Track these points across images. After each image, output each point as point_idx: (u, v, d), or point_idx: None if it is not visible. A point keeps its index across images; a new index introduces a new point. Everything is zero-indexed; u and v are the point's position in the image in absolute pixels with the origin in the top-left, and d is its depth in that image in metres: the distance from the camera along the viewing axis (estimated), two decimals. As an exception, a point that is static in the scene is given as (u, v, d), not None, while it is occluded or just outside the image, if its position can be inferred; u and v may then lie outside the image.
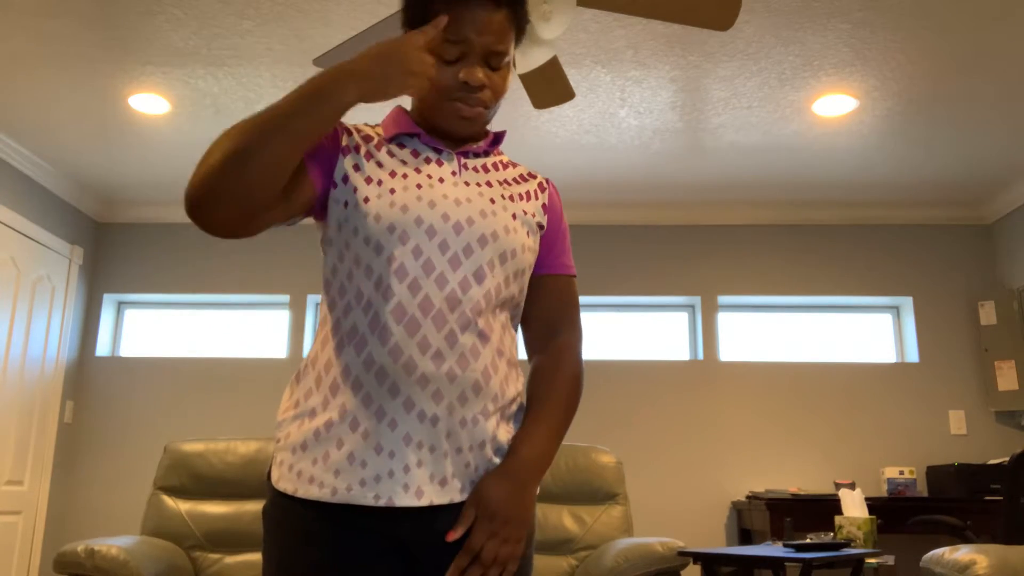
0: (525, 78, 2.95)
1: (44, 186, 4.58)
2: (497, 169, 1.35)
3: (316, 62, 2.82)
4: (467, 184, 1.28)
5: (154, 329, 5.16)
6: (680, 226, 5.06)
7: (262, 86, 3.65)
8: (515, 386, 1.28)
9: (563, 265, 1.39)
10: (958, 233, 4.99)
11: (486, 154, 1.36)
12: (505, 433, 1.25)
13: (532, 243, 1.31)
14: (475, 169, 1.32)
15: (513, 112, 3.88)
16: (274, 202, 1.17)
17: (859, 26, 3.17)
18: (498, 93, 1.30)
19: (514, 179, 1.36)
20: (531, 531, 1.28)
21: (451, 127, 1.29)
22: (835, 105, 3.76)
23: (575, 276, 1.41)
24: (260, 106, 3.83)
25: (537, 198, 1.36)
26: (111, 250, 5.09)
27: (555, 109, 3.84)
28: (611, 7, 2.54)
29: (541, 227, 1.35)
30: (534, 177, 1.40)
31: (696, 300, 5.00)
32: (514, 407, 1.28)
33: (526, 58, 2.60)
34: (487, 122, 1.33)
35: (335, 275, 1.25)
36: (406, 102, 3.80)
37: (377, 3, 3.07)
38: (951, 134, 4.06)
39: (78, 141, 4.23)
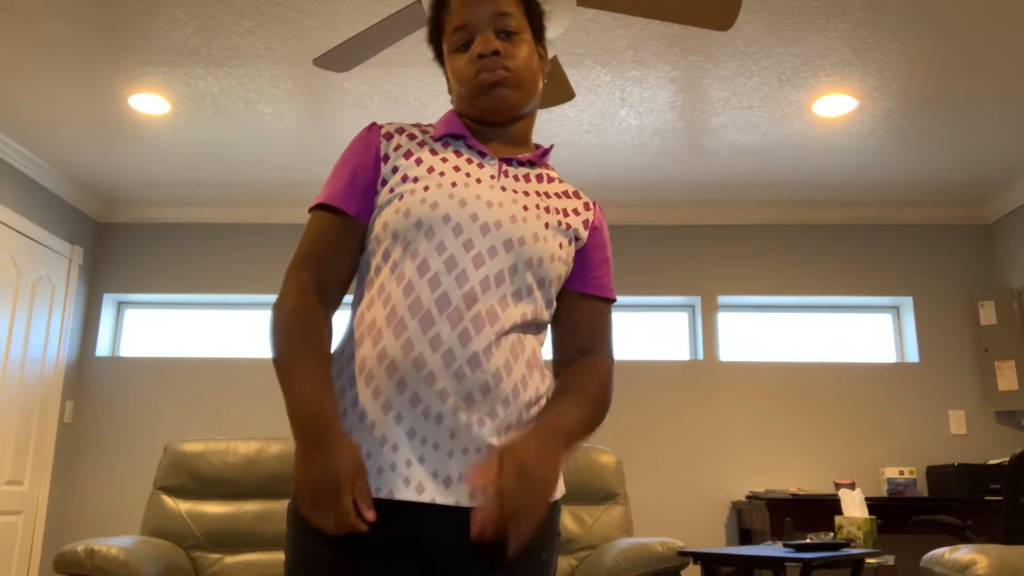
0: (525, 78, 2.95)
1: (44, 186, 4.58)
2: (541, 181, 1.34)
3: (316, 62, 2.82)
4: (503, 189, 1.27)
5: (154, 329, 5.16)
6: (680, 226, 5.06)
7: (262, 86, 3.65)
8: (536, 389, 1.23)
9: (603, 287, 1.35)
10: (958, 233, 4.99)
11: (532, 165, 1.35)
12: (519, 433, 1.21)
13: (564, 254, 1.28)
14: (516, 177, 1.31)
15: (513, 112, 3.88)
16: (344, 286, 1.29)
17: (859, 26, 3.17)
18: (524, 60, 1.30)
19: (558, 193, 1.34)
20: (557, 534, 1.27)
21: (486, 105, 1.29)
22: (835, 105, 3.76)
23: (614, 301, 1.38)
24: (260, 106, 3.83)
25: (580, 215, 1.34)
26: (111, 250, 5.09)
27: (555, 109, 3.84)
28: (611, 7, 2.54)
29: (579, 240, 1.32)
30: (580, 196, 1.38)
31: (696, 300, 5.00)
32: (534, 409, 1.23)
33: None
34: (524, 101, 1.32)
35: (367, 270, 1.27)
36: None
37: (378, 3, 3.07)
38: (951, 134, 4.05)
39: (78, 141, 4.23)
